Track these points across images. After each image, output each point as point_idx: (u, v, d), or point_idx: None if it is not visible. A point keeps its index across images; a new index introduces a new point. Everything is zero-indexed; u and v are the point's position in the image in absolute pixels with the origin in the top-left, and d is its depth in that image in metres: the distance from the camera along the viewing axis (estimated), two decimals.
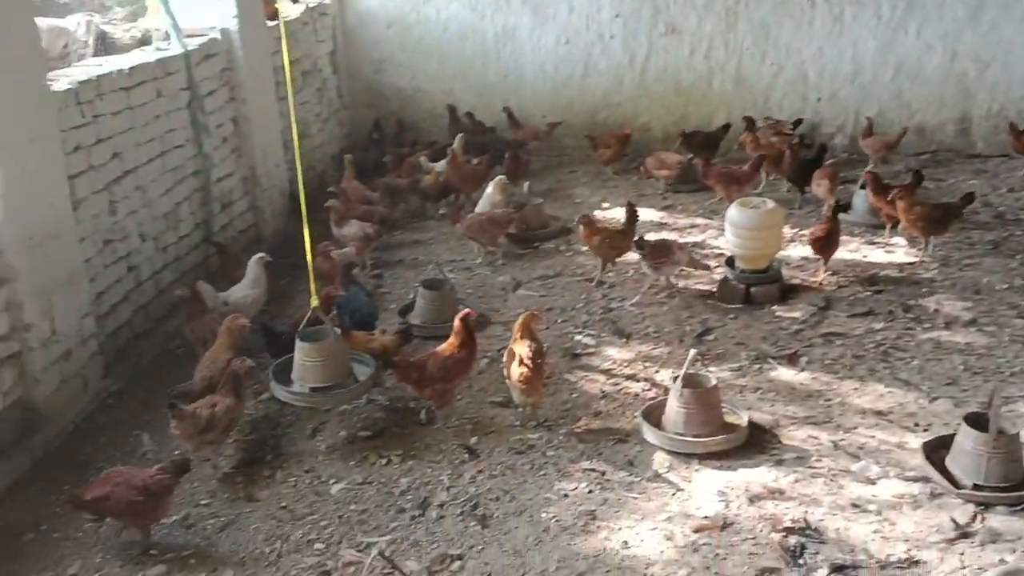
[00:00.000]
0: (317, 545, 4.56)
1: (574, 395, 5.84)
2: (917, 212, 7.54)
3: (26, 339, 5.43)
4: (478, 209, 8.48)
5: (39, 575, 4.47)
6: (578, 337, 6.62)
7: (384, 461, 5.23)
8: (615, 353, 6.36)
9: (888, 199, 7.72)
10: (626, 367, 6.16)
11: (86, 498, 4.44)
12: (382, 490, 4.98)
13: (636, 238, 7.21)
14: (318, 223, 8.09)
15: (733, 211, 7.08)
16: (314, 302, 5.48)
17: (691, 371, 5.26)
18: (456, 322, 5.46)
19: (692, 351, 5.31)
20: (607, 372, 6.12)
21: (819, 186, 8.66)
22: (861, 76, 10.46)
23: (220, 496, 5.02)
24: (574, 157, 11.01)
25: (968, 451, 4.62)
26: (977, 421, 4.64)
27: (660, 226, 8.79)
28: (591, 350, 6.43)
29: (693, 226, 8.80)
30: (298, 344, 5.41)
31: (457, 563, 4.36)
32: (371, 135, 11.13)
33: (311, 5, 10.46)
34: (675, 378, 5.31)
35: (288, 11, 9.81)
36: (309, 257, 5.48)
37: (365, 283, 7.79)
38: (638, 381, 5.97)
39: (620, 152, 10.36)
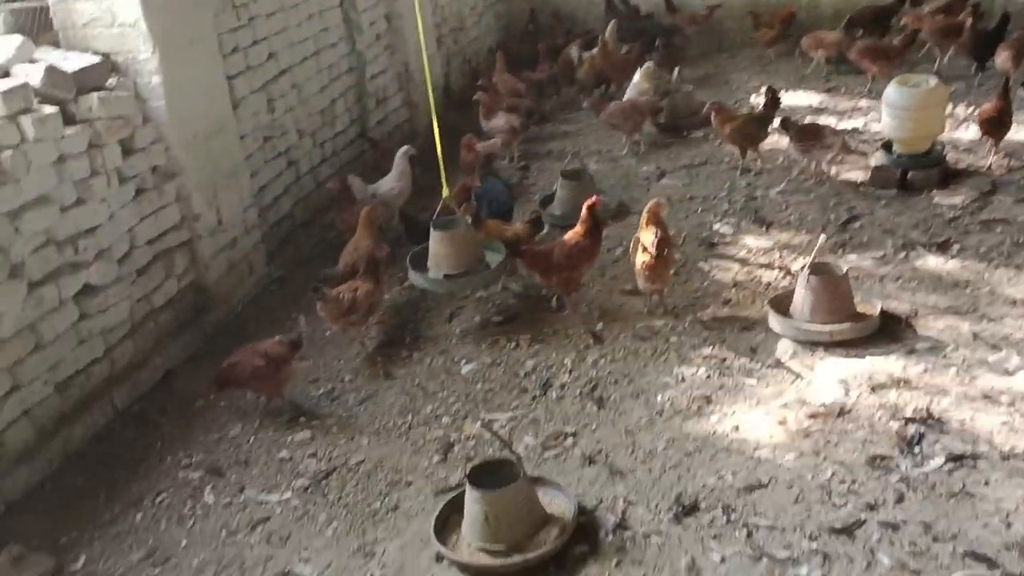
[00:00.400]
0: (444, 419, 4.89)
1: (705, 283, 5.81)
2: None
3: (196, 228, 5.97)
4: (626, 97, 8.37)
5: (206, 436, 5.06)
6: (716, 226, 6.52)
7: (513, 345, 5.46)
8: (752, 242, 6.24)
9: None
10: (762, 256, 6.05)
11: (223, 367, 4.95)
12: (508, 371, 5.22)
13: (783, 120, 6.92)
14: (469, 115, 8.34)
15: (890, 90, 6.65)
16: (445, 192, 5.68)
17: (821, 259, 5.12)
18: (583, 211, 5.52)
19: (822, 237, 5.16)
20: (742, 261, 6.03)
21: (1001, 60, 7.93)
22: None
23: (362, 373, 5.43)
24: (734, 41, 10.55)
25: None
26: None
27: (818, 111, 8.37)
28: (728, 239, 6.33)
29: (855, 109, 8.32)
30: (432, 233, 5.66)
31: (570, 439, 4.56)
32: (527, 26, 11.08)
33: None
34: (804, 266, 5.17)
35: None
36: (439, 149, 5.66)
37: (510, 175, 7.98)
38: (772, 270, 5.86)
39: (783, 33, 9.81)
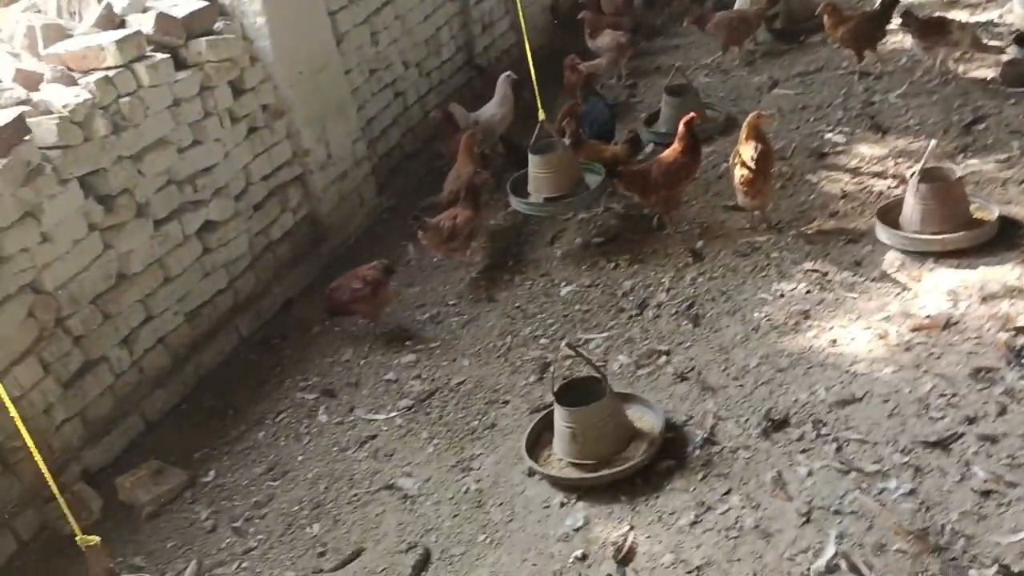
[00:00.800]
0: (542, 340, 4.99)
1: (812, 196, 5.63)
2: None
3: (307, 163, 6.23)
4: (738, 3, 8.04)
5: (322, 359, 5.36)
6: (829, 135, 6.26)
7: (612, 265, 5.48)
8: (866, 150, 5.96)
9: None
10: (875, 164, 5.78)
11: (326, 293, 5.22)
12: (606, 292, 5.26)
13: (904, 14, 6.50)
14: (579, 36, 8.23)
15: None
16: (542, 116, 5.68)
17: (933, 164, 4.86)
18: (680, 127, 5.42)
19: (932, 142, 4.88)
20: (853, 171, 5.79)
21: None
22: None
23: (466, 297, 5.59)
24: None
25: None
26: None
27: (950, 4, 7.81)
28: (840, 148, 6.07)
29: (990, 1, 7.70)
30: (530, 157, 5.70)
31: (664, 358, 4.58)
32: None
33: None
34: (913, 173, 4.93)
35: None
36: (532, 72, 5.64)
37: (618, 94, 7.87)
38: (885, 179, 5.60)
39: None
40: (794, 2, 8.09)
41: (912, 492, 3.44)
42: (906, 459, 3.59)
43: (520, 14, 5.75)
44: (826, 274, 4.86)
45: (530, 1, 8.94)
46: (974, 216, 4.86)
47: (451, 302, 5.59)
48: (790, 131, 6.44)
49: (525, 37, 5.58)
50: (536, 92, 5.63)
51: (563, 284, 5.44)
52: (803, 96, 6.94)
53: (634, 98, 7.79)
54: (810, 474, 3.65)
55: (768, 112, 5.49)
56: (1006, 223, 4.80)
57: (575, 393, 4.07)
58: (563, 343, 4.31)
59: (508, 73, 7.00)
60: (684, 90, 6.78)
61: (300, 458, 4.60)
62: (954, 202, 4.79)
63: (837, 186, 5.66)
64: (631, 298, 5.14)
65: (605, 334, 4.89)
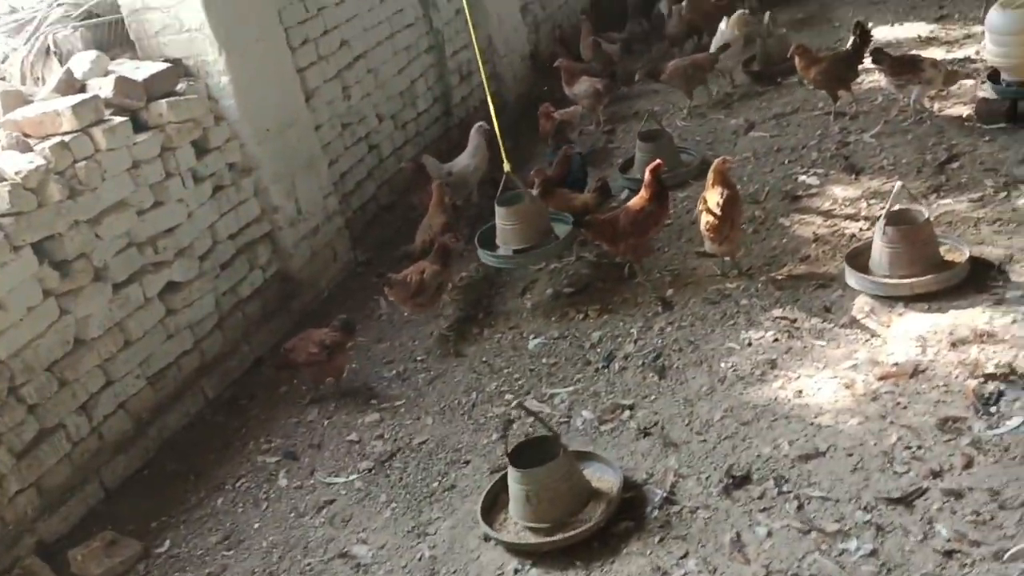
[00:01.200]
0: (507, 396, 4.87)
1: (784, 240, 5.53)
2: None
3: (276, 219, 6.17)
4: (713, 46, 8.02)
5: (287, 419, 5.25)
6: (802, 177, 6.17)
7: (581, 316, 5.38)
8: (839, 192, 5.87)
9: None
10: (848, 206, 5.69)
11: (281, 351, 5.14)
12: (574, 344, 5.15)
13: (874, 52, 6.44)
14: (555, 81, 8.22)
15: (993, 15, 6.05)
16: (507, 167, 5.61)
17: (900, 206, 4.76)
18: (646, 175, 5.35)
19: (898, 183, 4.78)
20: (826, 213, 5.69)
21: None
22: None
23: (434, 352, 5.49)
24: None
25: None
26: None
27: (926, 42, 7.77)
28: (813, 191, 5.98)
29: (968, 37, 7.66)
30: (496, 209, 5.62)
31: (627, 412, 4.46)
32: None
33: None
34: (879, 216, 4.82)
35: None
36: (495, 124, 5.59)
37: (596, 139, 7.84)
38: (857, 220, 5.50)
39: None
40: (771, 43, 8.07)
41: (873, 553, 3.29)
42: (868, 517, 3.44)
43: (480, 63, 5.68)
44: (795, 321, 4.74)
45: (507, 51, 8.97)
46: (944, 258, 4.74)
47: (419, 357, 5.48)
48: (764, 174, 6.37)
49: (486, 85, 5.52)
50: (501, 143, 5.56)
51: (532, 336, 5.34)
52: (778, 138, 6.88)
53: (612, 144, 7.74)
54: (769, 535, 3.50)
55: (733, 158, 5.40)
56: (977, 264, 4.68)
57: (532, 452, 3.94)
58: (514, 403, 4.19)
59: (480, 124, 6.96)
60: (657, 136, 6.73)
61: (256, 525, 4.47)
62: (923, 244, 4.68)
63: (809, 229, 5.56)
64: (599, 350, 5.02)
65: (570, 388, 4.77)
